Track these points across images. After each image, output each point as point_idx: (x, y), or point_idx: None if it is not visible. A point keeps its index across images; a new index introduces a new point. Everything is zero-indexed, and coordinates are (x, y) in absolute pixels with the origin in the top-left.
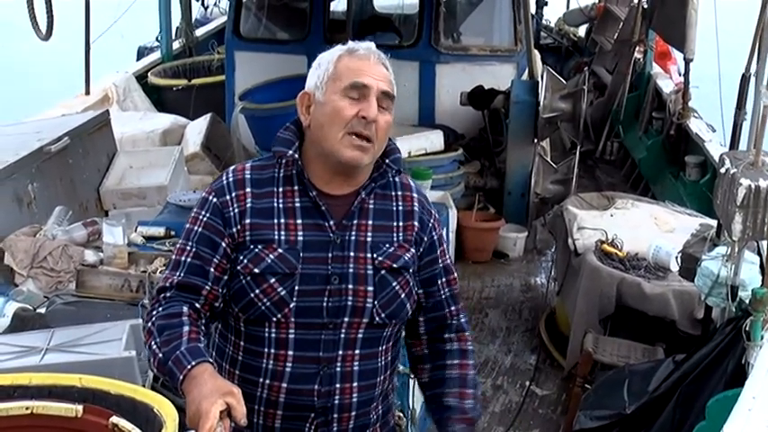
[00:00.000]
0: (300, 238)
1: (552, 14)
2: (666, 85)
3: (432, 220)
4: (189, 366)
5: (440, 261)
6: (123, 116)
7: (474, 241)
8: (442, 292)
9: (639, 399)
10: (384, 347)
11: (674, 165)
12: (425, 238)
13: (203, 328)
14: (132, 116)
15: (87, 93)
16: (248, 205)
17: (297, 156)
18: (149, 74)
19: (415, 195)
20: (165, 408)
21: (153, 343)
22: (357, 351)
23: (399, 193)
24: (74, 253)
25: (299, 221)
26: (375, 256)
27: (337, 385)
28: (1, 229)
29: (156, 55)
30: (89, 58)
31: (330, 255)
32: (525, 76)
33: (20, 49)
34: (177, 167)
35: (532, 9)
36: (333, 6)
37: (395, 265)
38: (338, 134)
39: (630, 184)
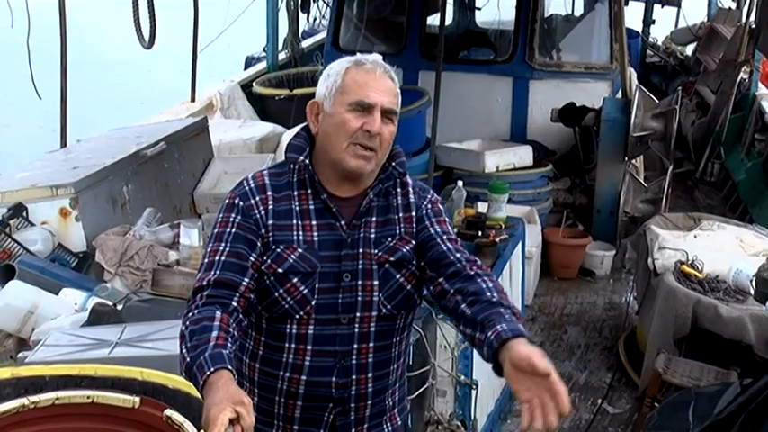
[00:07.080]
0: (316, 239)
1: (660, 33)
2: None
3: (425, 200)
4: (208, 372)
5: (437, 226)
6: (224, 123)
7: (560, 258)
8: (444, 245)
9: (704, 422)
10: (398, 338)
11: None
12: (418, 214)
13: (235, 332)
14: (233, 124)
15: (193, 100)
16: (270, 207)
17: (307, 161)
18: (254, 83)
19: (410, 188)
20: None
21: (183, 347)
22: (371, 344)
23: (399, 189)
24: (159, 253)
25: (313, 222)
26: (376, 251)
27: (353, 377)
28: (95, 229)
29: (262, 65)
30: (195, 67)
31: (341, 253)
32: (620, 95)
33: (139, 57)
34: None
35: (639, 27)
36: (430, 20)
37: (392, 259)
38: (343, 144)
39: (729, 207)
